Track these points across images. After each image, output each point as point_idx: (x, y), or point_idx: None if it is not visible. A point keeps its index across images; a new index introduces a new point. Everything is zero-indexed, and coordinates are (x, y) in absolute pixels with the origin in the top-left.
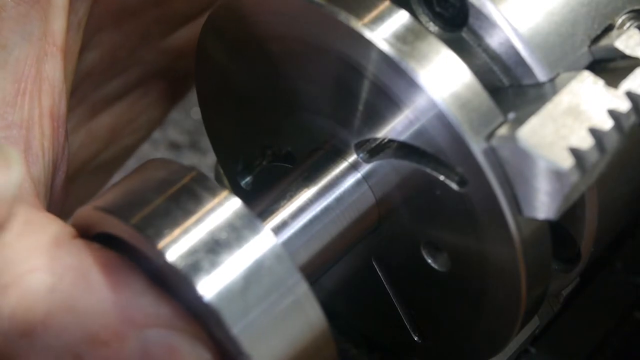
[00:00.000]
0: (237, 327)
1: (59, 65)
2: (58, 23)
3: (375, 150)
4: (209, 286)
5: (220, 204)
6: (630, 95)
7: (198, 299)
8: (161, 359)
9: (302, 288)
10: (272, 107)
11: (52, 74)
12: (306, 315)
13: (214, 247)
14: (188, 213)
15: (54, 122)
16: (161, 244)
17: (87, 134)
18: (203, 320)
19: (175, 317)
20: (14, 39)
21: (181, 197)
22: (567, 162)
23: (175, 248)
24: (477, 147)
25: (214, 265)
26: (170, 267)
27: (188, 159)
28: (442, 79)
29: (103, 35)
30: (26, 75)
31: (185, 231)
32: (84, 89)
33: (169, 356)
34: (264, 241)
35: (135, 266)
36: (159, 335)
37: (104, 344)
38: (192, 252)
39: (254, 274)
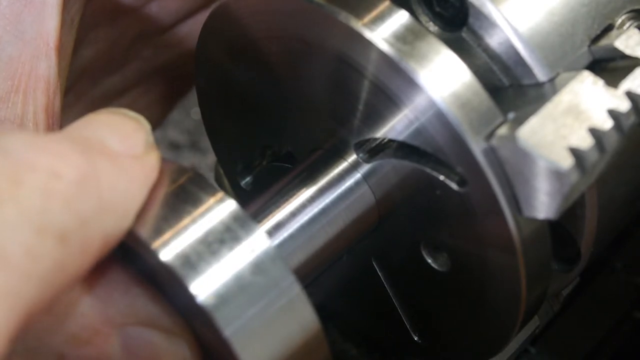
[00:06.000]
0: (230, 329)
1: (54, 63)
2: (52, 21)
3: (375, 150)
4: (202, 287)
5: (215, 205)
6: (630, 95)
7: (191, 299)
8: (142, 355)
9: (295, 290)
10: (272, 107)
11: (47, 72)
12: (299, 318)
13: (208, 248)
14: (183, 213)
15: (48, 119)
16: (155, 244)
17: None
18: (195, 321)
19: (157, 315)
20: (7, 37)
21: (177, 197)
22: (567, 162)
23: (169, 248)
24: (477, 147)
25: (207, 266)
26: (163, 267)
27: (188, 159)
28: (442, 78)
29: (99, 31)
30: (20, 73)
31: (180, 231)
32: (82, 86)
33: (149, 352)
34: (258, 243)
35: (118, 263)
36: (138, 332)
37: (86, 342)
38: (186, 252)
39: (248, 276)
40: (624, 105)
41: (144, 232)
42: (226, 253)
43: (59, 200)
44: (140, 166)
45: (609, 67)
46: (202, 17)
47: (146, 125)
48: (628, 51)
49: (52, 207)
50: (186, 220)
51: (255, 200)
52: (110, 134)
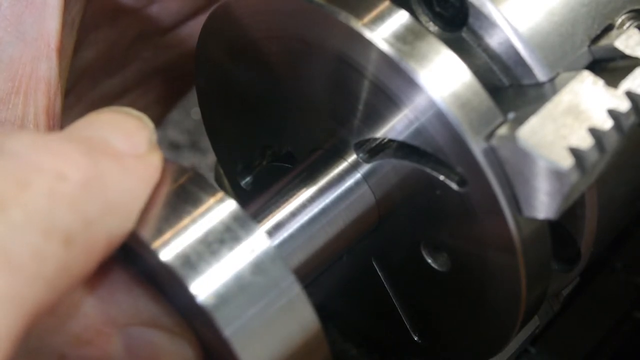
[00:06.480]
0: (230, 329)
1: (54, 64)
2: (53, 23)
3: (375, 150)
4: (202, 287)
5: (215, 205)
6: (630, 95)
7: (191, 299)
8: (144, 355)
9: (295, 290)
10: (272, 107)
11: (48, 73)
12: (299, 318)
13: (208, 248)
14: (183, 213)
15: (49, 120)
16: (155, 244)
17: None
18: (195, 321)
19: (159, 315)
20: (8, 38)
21: (177, 197)
22: (567, 162)
23: (169, 248)
24: (477, 147)
25: (207, 266)
26: (163, 267)
27: (188, 159)
28: (442, 78)
29: (99, 32)
30: (20, 74)
31: (180, 231)
32: (82, 87)
33: (150, 352)
34: (258, 243)
35: (120, 264)
36: (140, 332)
37: (87, 343)
38: (186, 252)
39: (248, 276)
40: (624, 105)
41: (144, 232)
42: (226, 253)
43: (65, 202)
44: (143, 166)
45: (609, 67)
46: (202, 19)
47: (149, 123)
48: (628, 51)
49: (58, 209)
50: (186, 220)
51: (255, 200)
52: (113, 133)
